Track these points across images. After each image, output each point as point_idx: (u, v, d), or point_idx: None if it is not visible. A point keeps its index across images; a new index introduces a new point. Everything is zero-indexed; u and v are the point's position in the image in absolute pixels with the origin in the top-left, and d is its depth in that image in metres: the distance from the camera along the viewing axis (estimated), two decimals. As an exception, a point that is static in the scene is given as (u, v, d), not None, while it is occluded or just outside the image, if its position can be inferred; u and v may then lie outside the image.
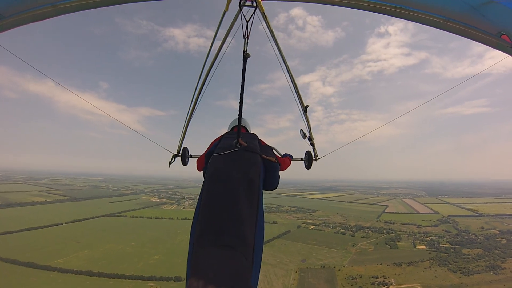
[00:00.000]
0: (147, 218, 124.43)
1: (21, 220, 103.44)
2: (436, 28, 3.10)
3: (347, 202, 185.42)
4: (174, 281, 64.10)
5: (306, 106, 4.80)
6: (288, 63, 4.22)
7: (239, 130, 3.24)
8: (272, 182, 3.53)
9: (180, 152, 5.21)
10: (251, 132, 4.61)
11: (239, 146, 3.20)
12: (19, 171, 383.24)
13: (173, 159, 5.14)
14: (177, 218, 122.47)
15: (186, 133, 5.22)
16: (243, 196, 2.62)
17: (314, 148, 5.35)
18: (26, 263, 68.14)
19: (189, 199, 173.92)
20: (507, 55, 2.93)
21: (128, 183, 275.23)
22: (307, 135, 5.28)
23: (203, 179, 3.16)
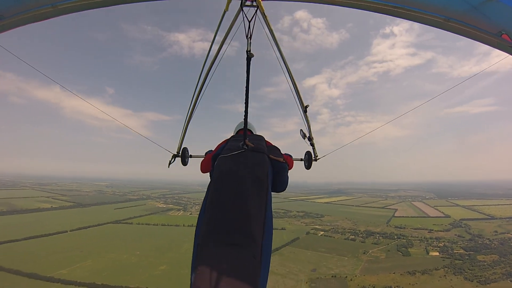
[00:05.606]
0: (153, 225, 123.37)
1: (26, 227, 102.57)
2: (437, 28, 3.07)
3: (356, 206, 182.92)
4: (180, 293, 62.30)
5: (306, 106, 4.78)
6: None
7: (245, 131, 3.11)
8: (281, 183, 3.42)
9: (180, 152, 5.17)
10: (258, 134, 4.52)
11: (246, 147, 3.10)
12: (27, 176, 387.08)
13: (172, 159, 5.11)
14: (183, 225, 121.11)
15: (186, 133, 5.22)
16: (251, 196, 2.57)
17: (314, 148, 5.30)
18: (29, 273, 66.92)
19: (196, 204, 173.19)
20: (508, 54, 2.93)
21: (135, 188, 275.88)
22: (307, 135, 5.22)
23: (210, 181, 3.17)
